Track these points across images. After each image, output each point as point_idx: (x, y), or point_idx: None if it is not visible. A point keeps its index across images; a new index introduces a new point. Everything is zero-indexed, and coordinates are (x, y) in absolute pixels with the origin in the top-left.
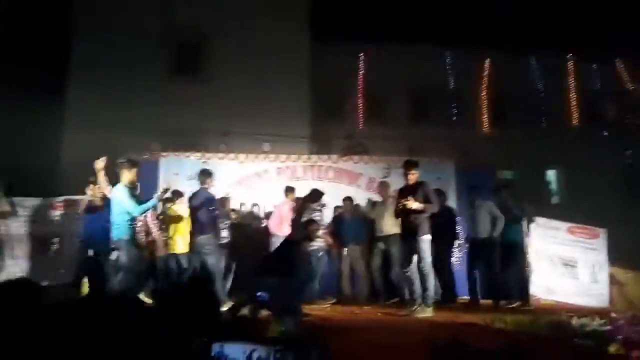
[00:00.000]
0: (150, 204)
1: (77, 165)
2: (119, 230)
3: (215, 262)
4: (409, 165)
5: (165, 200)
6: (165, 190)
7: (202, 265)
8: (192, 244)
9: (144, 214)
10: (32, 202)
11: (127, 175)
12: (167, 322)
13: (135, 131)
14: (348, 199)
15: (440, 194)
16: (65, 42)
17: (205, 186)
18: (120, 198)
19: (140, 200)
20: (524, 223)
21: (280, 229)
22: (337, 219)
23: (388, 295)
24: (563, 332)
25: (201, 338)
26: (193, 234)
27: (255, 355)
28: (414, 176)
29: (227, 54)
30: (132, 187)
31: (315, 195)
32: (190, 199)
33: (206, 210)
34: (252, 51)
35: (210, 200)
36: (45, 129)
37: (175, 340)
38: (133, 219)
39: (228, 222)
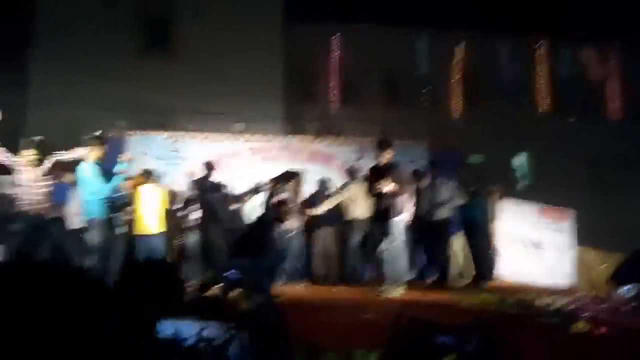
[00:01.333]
0: (116, 181)
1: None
2: (91, 209)
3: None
4: (384, 145)
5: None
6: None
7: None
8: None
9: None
10: None
11: (95, 153)
12: (125, 301)
13: (101, 108)
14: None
15: (420, 175)
16: (28, 13)
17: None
18: (89, 176)
19: (107, 178)
20: (485, 201)
21: None
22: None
23: (361, 275)
24: (529, 311)
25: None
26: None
27: (205, 332)
28: (389, 156)
29: (198, 31)
30: (99, 165)
31: (287, 176)
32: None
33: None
34: (224, 28)
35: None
36: (7, 106)
37: (127, 318)
38: (104, 198)
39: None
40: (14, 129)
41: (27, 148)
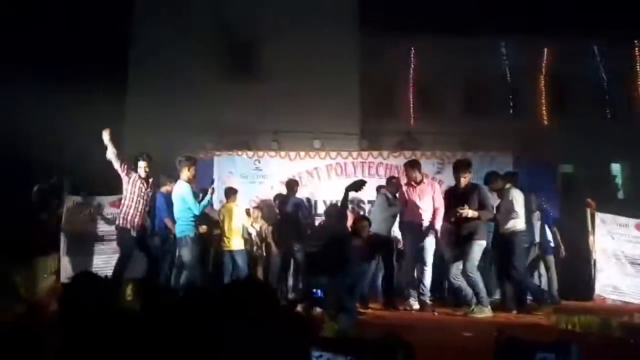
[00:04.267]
0: (206, 201)
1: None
2: (183, 226)
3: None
4: (462, 167)
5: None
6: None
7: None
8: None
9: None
10: (97, 200)
11: (186, 173)
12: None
13: (190, 130)
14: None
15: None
16: (124, 41)
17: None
18: (183, 194)
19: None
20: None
21: None
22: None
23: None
24: (636, 335)
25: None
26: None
27: None
28: (465, 179)
29: (278, 52)
30: (191, 184)
31: (357, 184)
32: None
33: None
34: (303, 48)
35: (298, 205)
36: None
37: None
38: (195, 216)
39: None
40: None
41: (142, 161)
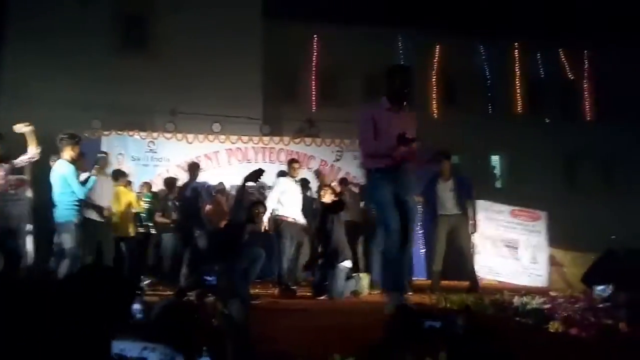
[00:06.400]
0: (91, 182)
1: (10, 141)
2: (64, 211)
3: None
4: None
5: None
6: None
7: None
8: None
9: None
10: None
11: (69, 152)
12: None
13: (76, 108)
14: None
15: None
16: (1, 7)
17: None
18: (65, 175)
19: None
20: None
21: None
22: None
23: None
24: (505, 311)
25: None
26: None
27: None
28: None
29: (176, 29)
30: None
31: (256, 174)
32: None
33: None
34: (203, 27)
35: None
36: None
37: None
38: (79, 200)
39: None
40: None
41: None
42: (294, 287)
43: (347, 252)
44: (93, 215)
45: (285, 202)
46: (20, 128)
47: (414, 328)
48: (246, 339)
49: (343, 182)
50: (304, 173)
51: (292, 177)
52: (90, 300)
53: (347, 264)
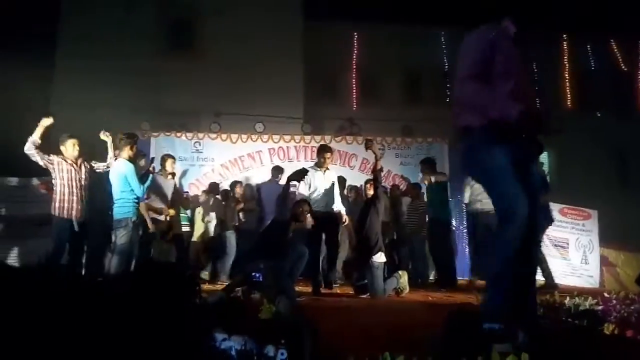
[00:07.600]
0: (149, 181)
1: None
2: (124, 208)
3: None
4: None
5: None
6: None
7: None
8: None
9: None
10: (20, 182)
11: (128, 151)
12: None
13: (125, 110)
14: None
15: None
16: (54, 15)
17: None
18: (125, 174)
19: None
20: None
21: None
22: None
23: None
24: (557, 312)
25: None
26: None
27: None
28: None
29: (220, 32)
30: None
31: (300, 173)
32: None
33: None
34: (245, 30)
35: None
36: (31, 106)
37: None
38: (137, 198)
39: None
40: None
41: (67, 141)
42: (334, 285)
43: (381, 244)
44: (153, 214)
45: (315, 199)
46: (103, 135)
47: (472, 330)
48: (317, 334)
49: (395, 187)
50: (343, 171)
51: (320, 168)
52: (154, 294)
53: (381, 257)
